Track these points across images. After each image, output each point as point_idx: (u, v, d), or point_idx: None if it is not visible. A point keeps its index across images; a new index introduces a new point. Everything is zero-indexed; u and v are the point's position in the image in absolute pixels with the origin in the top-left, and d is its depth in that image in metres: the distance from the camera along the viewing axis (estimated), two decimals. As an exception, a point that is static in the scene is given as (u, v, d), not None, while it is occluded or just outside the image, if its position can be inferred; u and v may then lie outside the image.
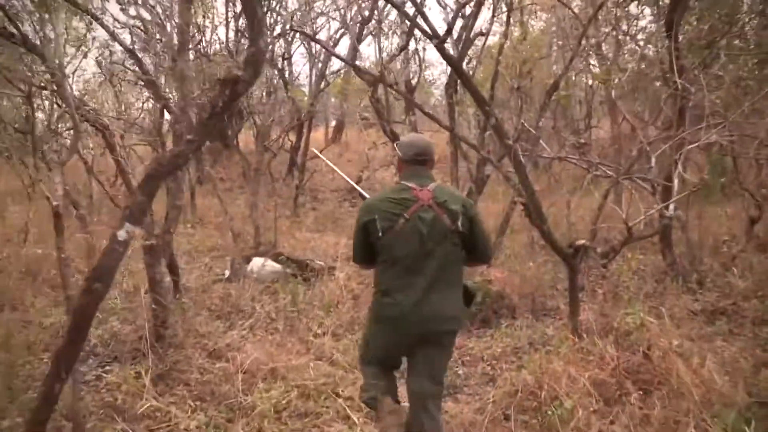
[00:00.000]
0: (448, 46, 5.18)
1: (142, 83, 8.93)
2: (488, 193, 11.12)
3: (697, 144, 4.96)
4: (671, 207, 4.75)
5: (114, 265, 2.36)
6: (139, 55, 6.95)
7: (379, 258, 3.04)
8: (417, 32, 6.80)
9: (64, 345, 2.53)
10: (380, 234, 2.97)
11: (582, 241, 4.46)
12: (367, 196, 3.50)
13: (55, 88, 4.58)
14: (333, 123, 22.19)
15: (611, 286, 6.68)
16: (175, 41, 4.49)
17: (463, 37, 6.77)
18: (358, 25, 10.44)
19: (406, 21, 6.32)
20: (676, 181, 4.80)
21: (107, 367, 4.51)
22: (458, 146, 7.24)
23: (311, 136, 15.30)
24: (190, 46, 11.16)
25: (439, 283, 2.97)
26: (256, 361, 4.29)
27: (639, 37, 8.01)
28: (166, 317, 4.54)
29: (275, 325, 5.77)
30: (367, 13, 8.81)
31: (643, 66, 8.45)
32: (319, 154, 5.36)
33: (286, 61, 17.60)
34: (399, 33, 8.03)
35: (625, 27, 8.01)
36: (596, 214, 7.42)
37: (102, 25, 5.39)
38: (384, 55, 9.13)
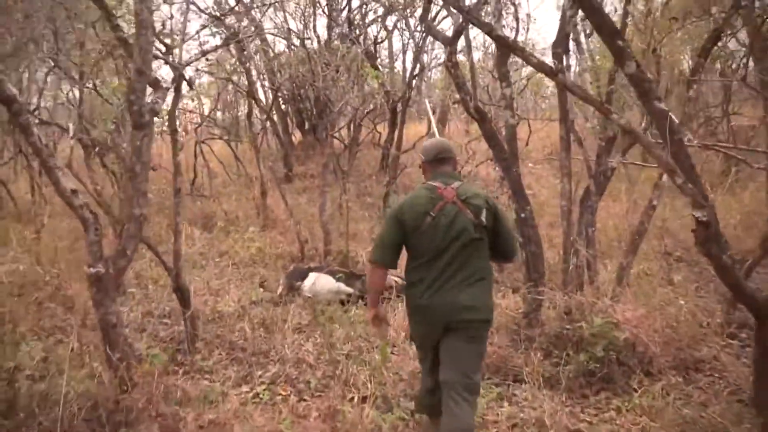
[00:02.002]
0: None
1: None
2: (607, 189, 9.11)
3: None
4: None
5: None
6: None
7: (409, 255, 3.16)
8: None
9: None
10: (410, 233, 3.08)
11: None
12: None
13: None
14: (432, 114, 20.60)
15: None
16: None
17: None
18: None
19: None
20: None
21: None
22: (571, 128, 5.32)
23: (412, 130, 13.72)
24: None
25: (461, 274, 3.04)
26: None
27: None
28: (114, 379, 3.07)
29: (307, 376, 4.20)
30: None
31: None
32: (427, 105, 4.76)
33: (378, 46, 16.25)
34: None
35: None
36: (769, 223, 5.28)
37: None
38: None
